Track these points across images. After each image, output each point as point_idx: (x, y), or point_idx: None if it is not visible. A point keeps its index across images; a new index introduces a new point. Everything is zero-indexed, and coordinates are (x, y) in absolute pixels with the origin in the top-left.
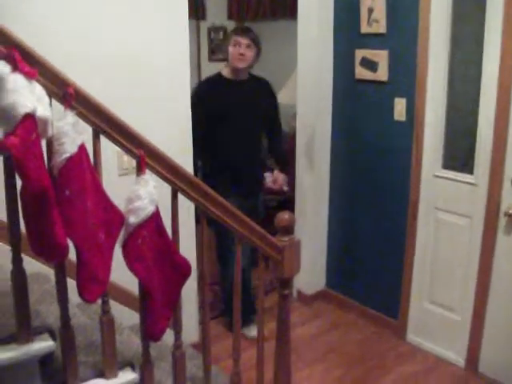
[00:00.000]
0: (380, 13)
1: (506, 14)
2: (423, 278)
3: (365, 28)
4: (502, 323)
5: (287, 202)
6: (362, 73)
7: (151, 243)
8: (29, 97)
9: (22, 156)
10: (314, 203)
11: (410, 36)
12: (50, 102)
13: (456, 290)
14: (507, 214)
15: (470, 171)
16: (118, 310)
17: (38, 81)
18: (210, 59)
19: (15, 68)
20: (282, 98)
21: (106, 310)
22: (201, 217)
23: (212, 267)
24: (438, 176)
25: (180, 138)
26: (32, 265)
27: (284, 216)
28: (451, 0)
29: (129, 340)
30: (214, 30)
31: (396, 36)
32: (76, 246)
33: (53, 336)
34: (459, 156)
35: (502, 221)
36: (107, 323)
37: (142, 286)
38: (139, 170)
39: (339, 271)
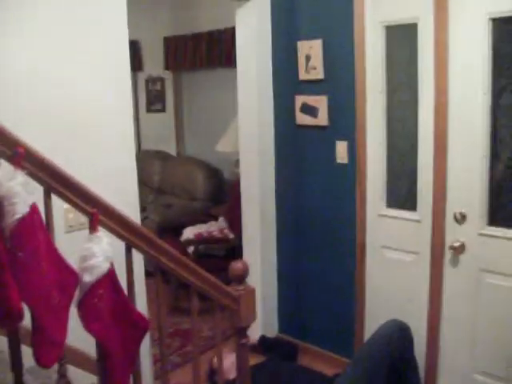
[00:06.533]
0: (317, 60)
1: (436, 58)
2: (375, 316)
3: (303, 75)
4: (454, 354)
5: (234, 249)
6: (302, 118)
7: (108, 301)
8: None
9: None
10: (261, 250)
11: (347, 81)
12: None
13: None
14: (452, 248)
15: (414, 208)
16: (71, 372)
17: None
18: (148, 110)
19: None
20: (224, 145)
21: (62, 374)
22: (155, 270)
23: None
24: (382, 215)
25: (126, 190)
26: None
27: (237, 265)
28: (385, 45)
29: None
30: (151, 80)
31: (334, 82)
32: (31, 310)
33: None
34: (402, 194)
35: (448, 254)
36: None
37: (100, 347)
38: (92, 228)
39: (291, 316)
